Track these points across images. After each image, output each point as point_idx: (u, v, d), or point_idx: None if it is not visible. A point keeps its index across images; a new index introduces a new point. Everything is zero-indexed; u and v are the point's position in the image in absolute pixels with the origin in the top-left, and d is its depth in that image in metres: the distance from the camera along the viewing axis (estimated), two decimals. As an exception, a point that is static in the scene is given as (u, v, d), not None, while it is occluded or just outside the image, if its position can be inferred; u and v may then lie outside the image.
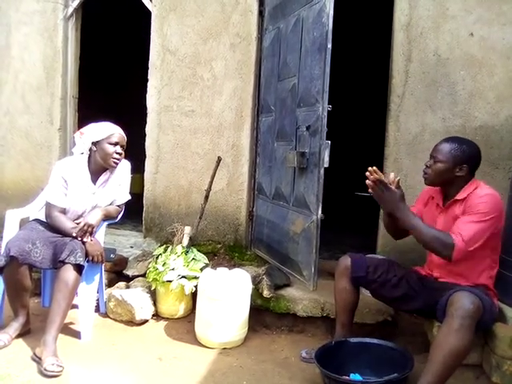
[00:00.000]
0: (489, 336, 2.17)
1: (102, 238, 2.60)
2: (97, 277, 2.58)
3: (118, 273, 3.15)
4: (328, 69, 2.56)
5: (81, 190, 2.54)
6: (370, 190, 2.07)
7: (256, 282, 2.75)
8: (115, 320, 2.77)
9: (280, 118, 3.13)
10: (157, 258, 2.92)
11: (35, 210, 2.71)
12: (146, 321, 2.78)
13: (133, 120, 3.92)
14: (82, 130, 2.63)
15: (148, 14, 3.63)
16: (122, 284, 2.99)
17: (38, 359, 2.19)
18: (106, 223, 2.66)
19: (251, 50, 3.38)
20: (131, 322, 2.73)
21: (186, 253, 2.90)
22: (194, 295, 2.78)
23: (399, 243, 3.00)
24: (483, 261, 2.10)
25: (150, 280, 2.81)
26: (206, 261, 2.94)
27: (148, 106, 3.61)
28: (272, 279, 2.78)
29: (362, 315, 2.57)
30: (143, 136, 3.63)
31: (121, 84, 6.28)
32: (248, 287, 2.58)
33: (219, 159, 3.16)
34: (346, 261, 2.30)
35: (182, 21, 3.50)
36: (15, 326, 2.40)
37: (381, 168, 3.09)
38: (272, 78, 3.25)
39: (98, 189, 2.59)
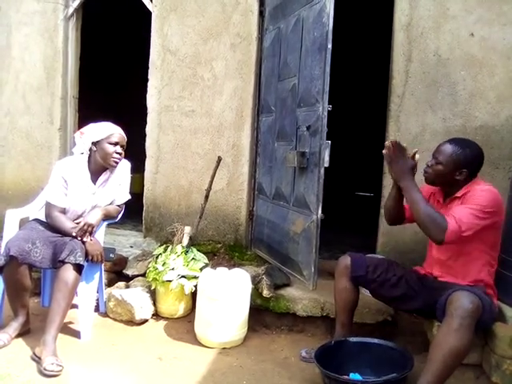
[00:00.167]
0: (489, 336, 2.17)
1: (101, 237, 2.60)
2: (96, 276, 2.58)
3: (117, 272, 3.15)
4: (328, 69, 2.56)
5: (81, 189, 2.54)
6: (384, 151, 2.11)
7: (256, 281, 2.75)
8: (115, 320, 2.77)
9: (280, 118, 3.13)
10: (157, 257, 2.92)
11: (35, 210, 2.71)
12: (146, 320, 2.78)
13: (133, 120, 3.93)
14: (82, 129, 2.63)
15: (148, 14, 3.64)
16: (121, 284, 2.99)
17: (37, 359, 2.19)
18: (105, 223, 2.66)
19: (251, 50, 3.38)
20: (131, 322, 2.73)
21: (186, 252, 2.90)
22: (193, 295, 2.78)
23: (399, 243, 3.02)
24: (482, 257, 2.10)
25: (150, 280, 2.81)
26: (206, 260, 2.94)
27: (148, 105, 3.61)
28: (272, 279, 2.78)
29: (362, 315, 2.57)
30: (143, 136, 3.64)
31: (121, 84, 6.29)
32: (248, 287, 2.58)
33: (219, 159, 3.16)
34: (345, 260, 2.30)
35: (182, 21, 3.50)
36: (15, 326, 2.40)
37: (381, 168, 3.10)
38: (272, 78, 3.25)
39: (97, 188, 2.59)
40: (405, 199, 2.17)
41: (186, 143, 3.53)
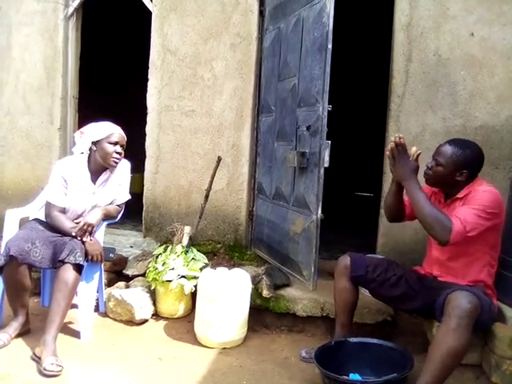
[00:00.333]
0: (488, 336, 2.17)
1: (101, 237, 2.60)
2: (96, 276, 2.58)
3: (117, 272, 3.15)
4: (328, 69, 2.56)
5: (81, 189, 2.54)
6: (387, 153, 2.12)
7: (256, 281, 2.75)
8: (115, 320, 2.77)
9: (280, 118, 3.13)
10: (156, 257, 2.92)
11: (35, 210, 2.71)
12: (146, 320, 2.78)
13: (133, 120, 3.93)
14: (82, 129, 2.63)
15: (148, 13, 3.64)
16: (121, 284, 2.98)
17: (37, 359, 2.19)
18: (105, 223, 2.66)
19: (252, 50, 3.38)
20: (131, 322, 2.73)
21: (186, 252, 2.90)
22: (193, 295, 2.78)
23: (399, 243, 3.02)
24: (482, 257, 2.10)
25: (150, 280, 2.81)
26: (206, 260, 2.94)
27: (148, 105, 3.61)
28: (272, 279, 2.78)
29: (362, 315, 2.57)
30: (143, 136, 3.64)
31: (121, 84, 6.29)
32: (248, 287, 2.58)
33: (219, 159, 3.16)
34: (345, 260, 2.30)
35: (182, 20, 3.50)
36: (15, 326, 2.40)
37: (381, 168, 3.10)
38: (272, 78, 3.25)
39: (97, 188, 2.59)
40: (404, 193, 2.18)
41: (185, 143, 3.53)
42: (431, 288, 2.15)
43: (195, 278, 2.73)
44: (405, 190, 2.15)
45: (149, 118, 3.61)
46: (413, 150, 2.11)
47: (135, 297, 2.74)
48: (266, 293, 2.69)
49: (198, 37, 3.47)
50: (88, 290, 2.53)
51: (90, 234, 2.45)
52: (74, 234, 2.39)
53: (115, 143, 2.53)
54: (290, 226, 2.95)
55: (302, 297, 2.74)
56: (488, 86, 2.89)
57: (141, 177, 3.69)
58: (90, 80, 4.42)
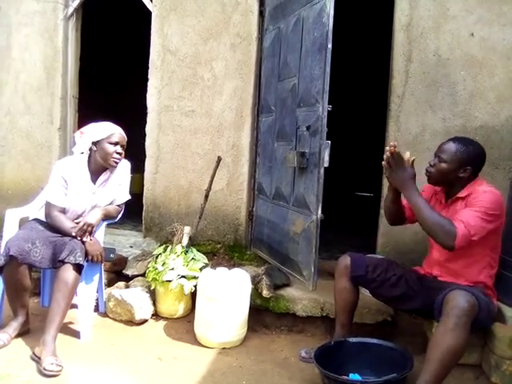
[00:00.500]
0: (488, 336, 2.17)
1: (101, 237, 2.60)
2: (96, 276, 2.58)
3: (117, 272, 3.15)
4: (328, 69, 2.56)
5: (81, 189, 2.54)
6: (383, 163, 2.08)
7: (255, 281, 2.75)
8: (115, 320, 2.77)
9: (280, 118, 3.13)
10: (156, 257, 2.92)
11: (35, 210, 2.71)
12: (146, 320, 2.78)
13: (133, 120, 3.92)
14: (82, 129, 2.63)
15: (148, 13, 3.64)
16: (121, 284, 2.98)
17: (37, 359, 2.19)
18: (105, 223, 2.66)
19: (251, 50, 3.38)
20: (131, 322, 2.73)
21: (186, 252, 2.90)
22: (193, 295, 2.78)
23: (399, 244, 3.02)
24: (483, 259, 2.10)
25: (150, 280, 2.81)
26: (206, 260, 2.94)
27: (148, 105, 3.61)
28: (271, 279, 2.78)
29: (362, 315, 2.57)
30: (143, 136, 3.63)
31: (121, 84, 6.29)
32: (247, 287, 2.58)
33: (219, 159, 3.16)
34: (345, 260, 2.30)
35: (182, 21, 3.50)
36: (15, 326, 2.40)
37: (381, 168, 3.09)
38: (272, 78, 3.25)
39: (97, 188, 2.59)
40: (402, 197, 2.17)
41: (185, 143, 3.53)
42: (431, 288, 2.15)
43: (195, 278, 2.73)
44: (403, 196, 2.14)
45: (149, 118, 3.61)
46: (407, 156, 2.06)
47: (135, 297, 2.74)
48: (265, 293, 2.69)
49: (198, 37, 3.47)
50: (88, 290, 2.53)
51: (90, 234, 2.45)
52: (73, 234, 2.39)
53: (115, 143, 2.53)
54: (289, 226, 2.95)
55: (301, 297, 2.74)
56: (488, 86, 2.89)
57: (141, 177, 3.69)
58: (89, 80, 4.42)
